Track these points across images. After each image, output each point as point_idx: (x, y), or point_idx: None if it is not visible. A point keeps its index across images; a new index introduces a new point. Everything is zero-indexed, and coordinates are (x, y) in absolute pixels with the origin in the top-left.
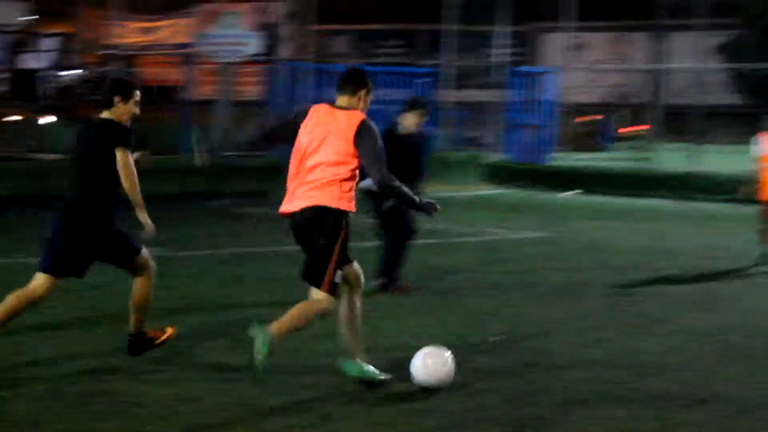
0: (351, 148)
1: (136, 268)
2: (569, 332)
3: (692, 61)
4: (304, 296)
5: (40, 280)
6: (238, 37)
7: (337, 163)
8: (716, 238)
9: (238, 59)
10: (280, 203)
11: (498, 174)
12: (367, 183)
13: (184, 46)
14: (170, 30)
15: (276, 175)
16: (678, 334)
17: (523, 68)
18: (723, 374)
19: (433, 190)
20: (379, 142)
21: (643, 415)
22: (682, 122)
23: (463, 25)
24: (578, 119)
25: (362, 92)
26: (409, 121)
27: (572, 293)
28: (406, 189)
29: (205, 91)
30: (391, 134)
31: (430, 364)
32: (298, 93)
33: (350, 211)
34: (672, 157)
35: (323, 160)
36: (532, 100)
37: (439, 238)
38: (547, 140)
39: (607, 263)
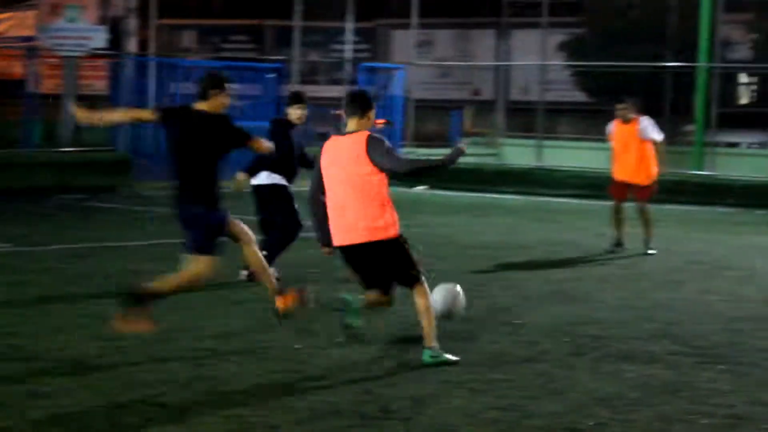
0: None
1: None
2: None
3: (536, 59)
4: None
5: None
6: (81, 31)
7: None
8: (563, 233)
9: (82, 53)
10: (129, 198)
11: None
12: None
13: (28, 39)
14: (11, 23)
15: (125, 171)
16: (530, 327)
17: (372, 64)
18: (577, 366)
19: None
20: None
21: (497, 405)
22: (527, 118)
23: (311, 21)
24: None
25: (370, 113)
26: (294, 114)
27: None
28: (426, 160)
29: (50, 85)
30: (285, 124)
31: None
32: (143, 87)
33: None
34: (518, 153)
35: None
36: (381, 95)
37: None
38: (396, 136)
39: (457, 258)
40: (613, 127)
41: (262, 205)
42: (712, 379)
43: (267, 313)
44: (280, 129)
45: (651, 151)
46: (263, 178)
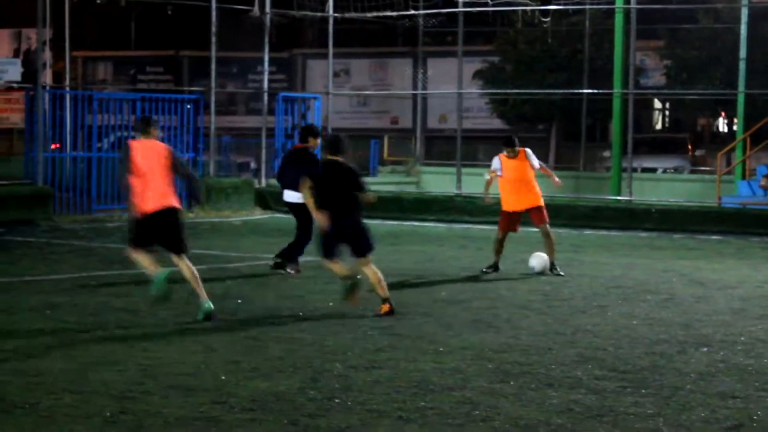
0: None
1: None
2: (348, 354)
3: (453, 87)
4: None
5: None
6: None
7: None
8: (484, 260)
9: None
10: (48, 231)
11: (268, 199)
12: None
13: None
14: None
15: (44, 204)
16: (455, 353)
17: (289, 94)
18: (501, 392)
19: (206, 216)
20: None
21: None
22: (446, 146)
23: (227, 52)
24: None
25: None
26: (313, 144)
27: (347, 316)
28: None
29: None
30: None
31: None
32: (60, 120)
33: None
34: (437, 181)
35: None
36: (299, 125)
37: (210, 263)
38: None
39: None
40: (501, 162)
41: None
42: (636, 404)
43: (193, 345)
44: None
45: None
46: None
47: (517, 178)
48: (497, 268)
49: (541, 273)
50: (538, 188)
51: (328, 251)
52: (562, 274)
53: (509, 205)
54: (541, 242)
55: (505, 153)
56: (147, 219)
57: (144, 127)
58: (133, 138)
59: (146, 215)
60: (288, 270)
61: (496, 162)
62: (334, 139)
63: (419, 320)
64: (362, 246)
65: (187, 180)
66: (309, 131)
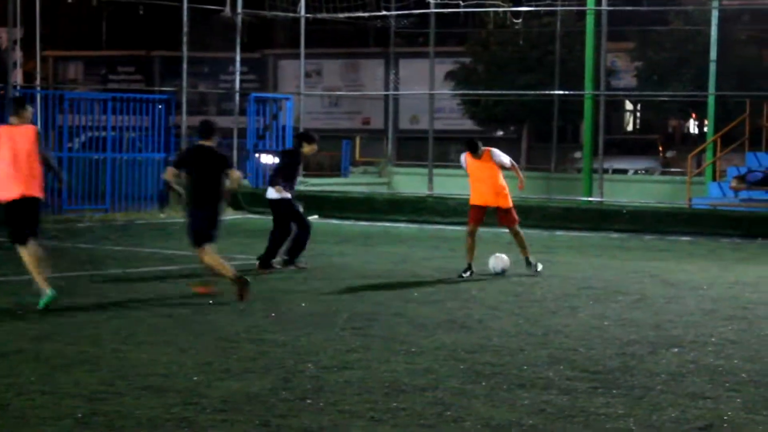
0: None
1: None
2: (320, 355)
3: (424, 88)
4: None
5: None
6: None
7: None
8: (455, 261)
9: None
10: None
11: (241, 200)
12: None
13: None
14: None
15: None
16: (427, 354)
17: (261, 94)
18: (473, 393)
19: (177, 216)
20: None
21: None
22: (417, 147)
23: (198, 52)
24: None
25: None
26: (307, 149)
27: (319, 317)
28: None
29: None
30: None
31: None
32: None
33: None
34: (409, 182)
35: None
36: (271, 126)
37: (181, 264)
38: None
39: (352, 287)
40: (465, 160)
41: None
42: (607, 404)
43: (164, 346)
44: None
45: (501, 176)
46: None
47: (480, 178)
48: (471, 270)
49: (501, 273)
50: (506, 189)
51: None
52: (539, 269)
53: (475, 198)
54: (511, 242)
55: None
56: (9, 207)
57: (16, 109)
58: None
59: (8, 203)
60: (299, 265)
61: (462, 160)
62: (204, 123)
63: (392, 321)
64: (201, 235)
65: (45, 164)
66: (303, 137)
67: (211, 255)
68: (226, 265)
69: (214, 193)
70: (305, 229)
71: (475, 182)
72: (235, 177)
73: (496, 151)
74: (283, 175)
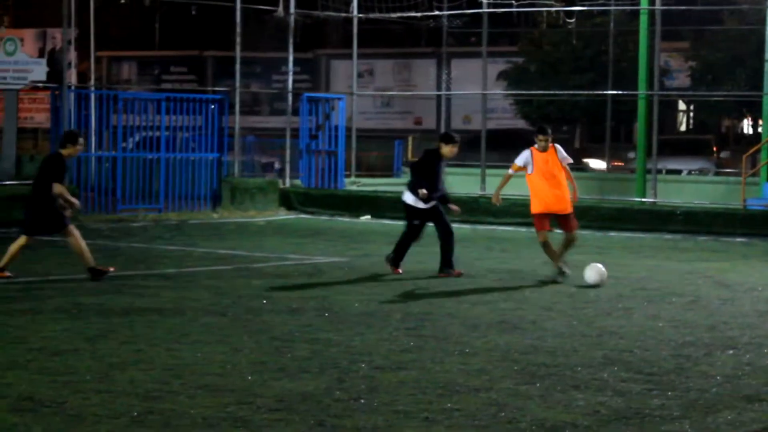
0: None
1: None
2: (374, 355)
3: (477, 88)
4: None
5: None
6: (20, 63)
7: None
8: (508, 262)
9: (21, 86)
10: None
11: (293, 200)
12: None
13: None
14: None
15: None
16: (481, 355)
17: (314, 94)
18: (527, 394)
19: (230, 216)
20: None
21: None
22: (471, 147)
23: (252, 52)
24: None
25: None
26: (446, 150)
27: (373, 317)
28: None
29: None
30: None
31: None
32: (85, 120)
33: None
34: (462, 182)
35: None
36: (324, 126)
37: (235, 264)
38: (340, 165)
39: (404, 287)
40: (531, 156)
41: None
42: (662, 406)
43: (219, 345)
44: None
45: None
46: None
47: (548, 173)
48: (563, 272)
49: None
50: (568, 190)
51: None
52: (563, 276)
53: (539, 205)
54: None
55: (536, 146)
56: None
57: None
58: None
59: None
60: (449, 272)
61: (525, 156)
62: (66, 132)
63: (445, 321)
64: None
65: None
66: (441, 137)
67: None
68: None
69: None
70: (447, 233)
71: (539, 181)
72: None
73: (560, 147)
74: (421, 178)
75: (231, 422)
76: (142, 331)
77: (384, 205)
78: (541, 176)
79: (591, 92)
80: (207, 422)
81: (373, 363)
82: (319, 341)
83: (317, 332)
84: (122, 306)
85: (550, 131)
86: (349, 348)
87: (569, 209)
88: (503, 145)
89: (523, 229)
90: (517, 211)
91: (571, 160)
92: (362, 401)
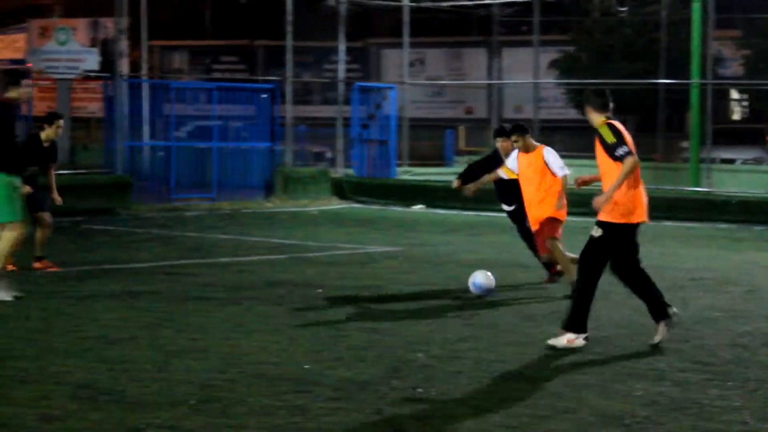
0: None
1: None
2: (430, 344)
3: (528, 77)
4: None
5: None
6: (73, 53)
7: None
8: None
9: (74, 75)
10: (127, 220)
11: (345, 189)
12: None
13: (18, 62)
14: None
15: (123, 193)
16: (536, 344)
17: (365, 84)
18: (585, 384)
19: (283, 206)
20: None
21: (508, 424)
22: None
23: (302, 41)
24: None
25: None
26: (502, 144)
27: (428, 306)
28: None
29: (42, 107)
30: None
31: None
32: (137, 109)
33: None
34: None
35: None
36: (375, 115)
37: (289, 253)
38: (391, 155)
39: (458, 276)
40: (518, 159)
41: None
42: (721, 396)
43: (274, 334)
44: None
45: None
46: None
47: (526, 177)
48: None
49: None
50: (551, 196)
51: None
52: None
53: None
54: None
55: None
56: None
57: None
58: None
59: None
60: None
61: (513, 157)
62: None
63: (499, 311)
64: None
65: None
66: (495, 131)
67: None
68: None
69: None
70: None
71: (522, 187)
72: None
73: (551, 152)
74: (478, 171)
75: (288, 410)
76: (198, 319)
77: (436, 195)
78: (523, 180)
79: (643, 81)
80: (264, 410)
81: (430, 352)
82: (375, 330)
83: (372, 321)
84: (178, 295)
85: (518, 130)
86: (405, 337)
87: (546, 214)
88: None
89: (571, 219)
90: (573, 201)
91: (562, 172)
92: (419, 390)
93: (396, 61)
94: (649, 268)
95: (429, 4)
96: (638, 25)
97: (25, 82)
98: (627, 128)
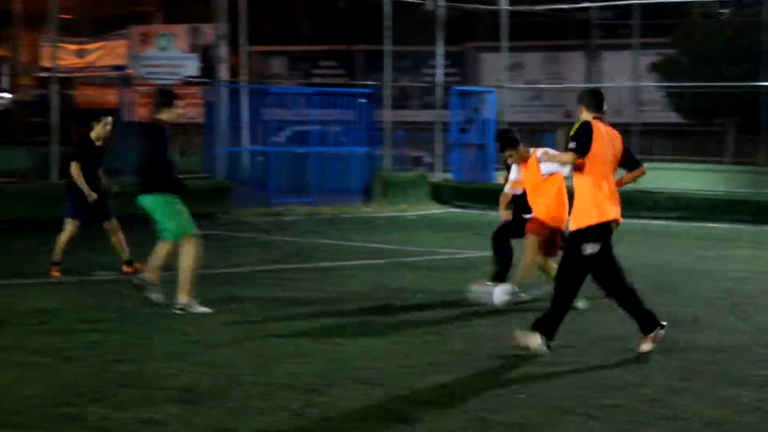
0: None
1: None
2: (529, 350)
3: (627, 80)
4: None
5: None
6: (173, 59)
7: None
8: (663, 256)
9: (174, 81)
10: (227, 225)
11: (443, 193)
12: None
13: (119, 68)
14: (102, 52)
15: (222, 198)
16: (632, 351)
17: (463, 88)
18: (686, 390)
19: (382, 211)
20: None
21: (609, 431)
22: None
23: (400, 46)
24: None
25: None
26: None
27: (528, 311)
28: None
29: (142, 113)
30: None
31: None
32: (236, 114)
33: None
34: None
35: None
36: (473, 119)
37: (388, 257)
38: (490, 159)
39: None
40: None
41: None
42: None
43: (376, 339)
44: None
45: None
46: None
47: (531, 186)
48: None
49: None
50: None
51: None
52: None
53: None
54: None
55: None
56: None
57: None
58: None
59: None
60: None
61: (514, 171)
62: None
63: (598, 317)
64: None
65: None
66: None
67: None
68: None
69: None
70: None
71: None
72: None
73: (545, 153)
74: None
75: (390, 416)
76: (299, 324)
77: None
78: (529, 190)
79: (745, 83)
80: (366, 416)
81: (531, 358)
82: (475, 335)
83: (472, 326)
84: (280, 299)
85: (509, 144)
86: (506, 342)
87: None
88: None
89: (673, 223)
90: (668, 205)
91: (549, 170)
92: (521, 396)
93: (494, 65)
94: (753, 274)
95: (526, 8)
96: (740, 27)
97: (176, 102)
98: (727, 131)
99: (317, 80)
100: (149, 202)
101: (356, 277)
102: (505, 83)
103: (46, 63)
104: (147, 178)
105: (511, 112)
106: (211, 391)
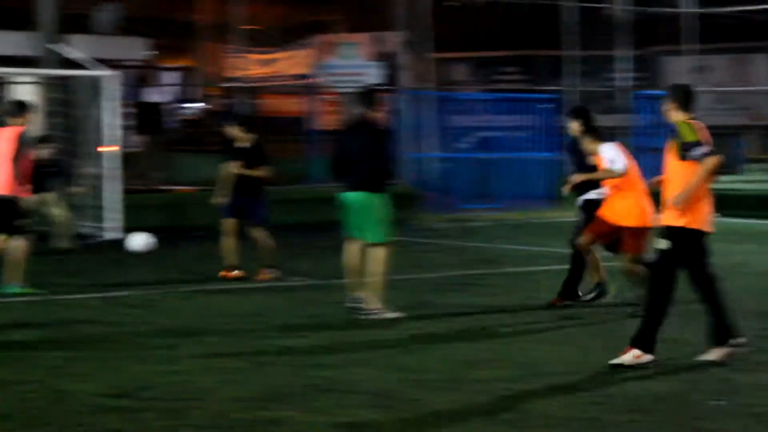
0: None
1: None
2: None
3: None
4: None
5: None
6: (357, 67)
7: None
8: None
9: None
10: (416, 231)
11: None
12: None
13: (303, 77)
14: (288, 62)
15: (410, 204)
16: None
17: (648, 92)
18: None
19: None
20: None
21: None
22: None
23: (583, 50)
24: None
25: None
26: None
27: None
28: None
29: (326, 121)
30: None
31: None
32: (422, 121)
33: None
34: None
35: None
36: (659, 123)
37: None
38: None
39: (748, 285)
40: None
41: None
42: None
43: (566, 345)
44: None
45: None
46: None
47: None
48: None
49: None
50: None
51: None
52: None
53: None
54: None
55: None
56: None
57: (15, 111)
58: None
59: None
60: None
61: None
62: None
63: None
64: None
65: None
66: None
67: None
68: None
69: None
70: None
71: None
72: None
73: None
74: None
75: (584, 422)
76: (491, 329)
77: (729, 203)
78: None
79: None
80: (559, 421)
81: (730, 364)
82: (673, 341)
83: (670, 333)
84: (471, 305)
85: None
86: (697, 347)
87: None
88: None
89: None
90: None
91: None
92: (722, 403)
93: (676, 68)
94: None
95: (710, 10)
96: None
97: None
98: None
99: (502, 86)
100: (371, 201)
101: (545, 284)
102: (693, 87)
103: (233, 73)
104: (368, 177)
105: (698, 115)
106: (403, 396)
